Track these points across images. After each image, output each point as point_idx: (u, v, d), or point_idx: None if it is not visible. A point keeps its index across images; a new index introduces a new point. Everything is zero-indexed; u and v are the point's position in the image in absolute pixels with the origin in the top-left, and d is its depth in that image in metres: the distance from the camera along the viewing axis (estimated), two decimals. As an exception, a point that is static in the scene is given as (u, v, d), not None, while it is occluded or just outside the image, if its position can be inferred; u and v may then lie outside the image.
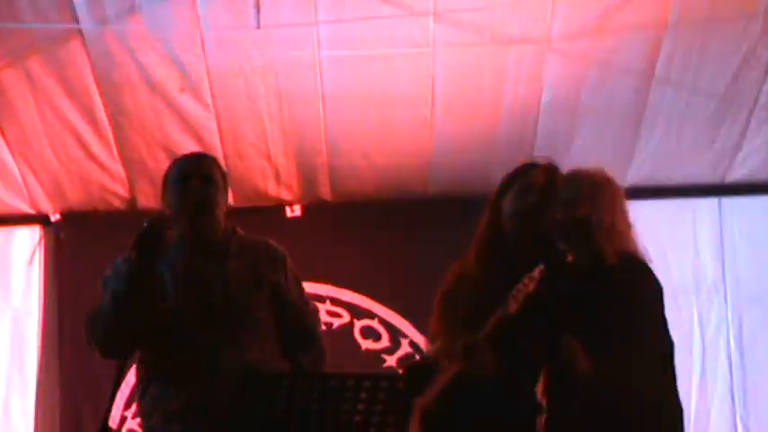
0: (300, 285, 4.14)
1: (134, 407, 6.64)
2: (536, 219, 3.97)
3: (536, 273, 3.78)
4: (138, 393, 4.03)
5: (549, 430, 3.87)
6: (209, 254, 4.00)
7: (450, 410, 3.92)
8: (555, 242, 3.94)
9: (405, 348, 6.98)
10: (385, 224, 7.04)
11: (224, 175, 4.15)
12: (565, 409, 3.80)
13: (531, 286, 3.77)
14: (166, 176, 4.12)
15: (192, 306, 3.90)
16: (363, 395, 3.21)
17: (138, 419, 4.15)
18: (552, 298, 3.82)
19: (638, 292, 3.82)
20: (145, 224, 3.76)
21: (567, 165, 4.21)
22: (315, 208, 7.07)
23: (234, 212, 6.45)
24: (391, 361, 6.97)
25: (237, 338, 3.87)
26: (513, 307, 3.78)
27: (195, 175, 4.00)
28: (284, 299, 4.03)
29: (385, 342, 7.01)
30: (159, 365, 3.93)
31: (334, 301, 6.97)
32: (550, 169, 4.12)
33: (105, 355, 3.92)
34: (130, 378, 6.43)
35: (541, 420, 3.90)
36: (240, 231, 4.14)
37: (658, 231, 6.47)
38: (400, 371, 6.36)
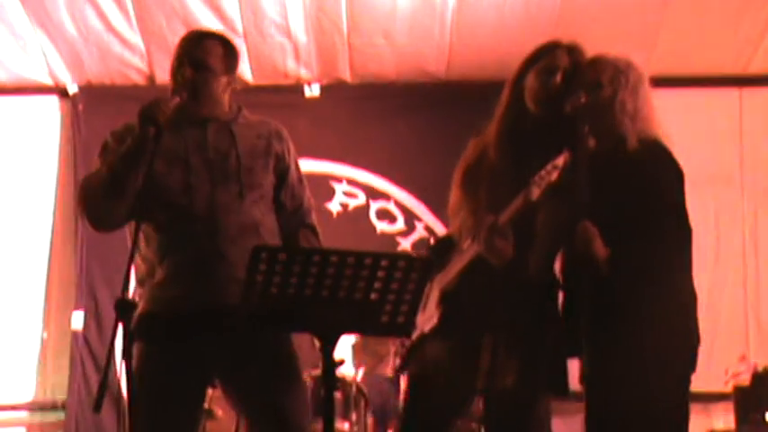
0: (299, 167, 4.14)
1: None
2: (560, 100, 3.94)
3: (560, 161, 3.75)
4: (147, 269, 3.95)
5: (567, 308, 3.91)
6: (216, 123, 3.98)
7: (468, 291, 3.95)
8: (578, 125, 3.92)
9: (420, 232, 7.02)
10: (404, 106, 7.04)
11: (228, 55, 4.04)
12: (581, 291, 3.82)
13: (555, 175, 3.74)
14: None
15: (200, 170, 3.88)
16: (380, 274, 3.20)
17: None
18: (573, 183, 3.81)
19: (658, 176, 3.82)
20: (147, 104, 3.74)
21: (589, 52, 4.16)
22: (334, 87, 7.07)
23: (252, 91, 6.53)
24: (406, 244, 7.01)
25: (242, 200, 3.88)
26: (534, 194, 3.76)
27: (186, 62, 3.94)
28: (285, 174, 4.05)
29: (400, 225, 7.05)
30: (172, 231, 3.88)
31: (351, 182, 6.99)
32: (574, 49, 4.07)
33: (95, 225, 3.90)
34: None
35: (561, 296, 3.94)
36: (246, 112, 4.11)
37: (678, 122, 6.44)
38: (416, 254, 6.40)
